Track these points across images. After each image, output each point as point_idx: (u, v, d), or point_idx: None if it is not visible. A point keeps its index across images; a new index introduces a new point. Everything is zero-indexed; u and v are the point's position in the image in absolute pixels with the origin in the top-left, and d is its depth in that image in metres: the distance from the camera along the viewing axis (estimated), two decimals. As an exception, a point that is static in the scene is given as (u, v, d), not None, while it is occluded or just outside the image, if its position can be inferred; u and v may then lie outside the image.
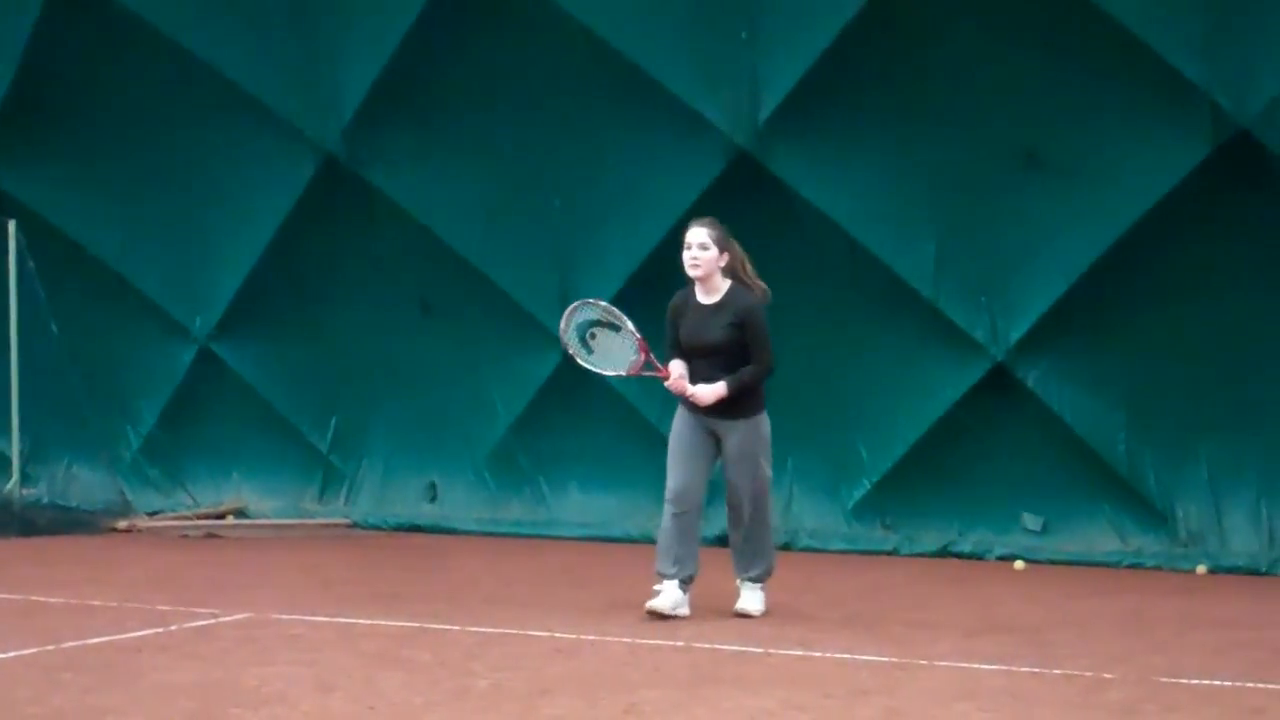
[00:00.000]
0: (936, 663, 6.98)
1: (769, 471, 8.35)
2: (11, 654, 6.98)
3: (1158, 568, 10.46)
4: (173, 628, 7.72)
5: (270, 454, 12.71)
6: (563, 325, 8.45)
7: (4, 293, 12.27)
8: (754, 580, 8.34)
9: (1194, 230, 10.16)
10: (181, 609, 8.26)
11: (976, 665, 6.93)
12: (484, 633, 7.64)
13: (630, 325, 8.33)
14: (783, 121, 10.74)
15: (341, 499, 12.64)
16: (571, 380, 11.89)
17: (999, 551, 10.85)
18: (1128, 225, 10.22)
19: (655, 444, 11.73)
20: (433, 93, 11.60)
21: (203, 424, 12.98)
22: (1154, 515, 10.64)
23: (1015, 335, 10.69)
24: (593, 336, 8.44)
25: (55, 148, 12.65)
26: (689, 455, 8.24)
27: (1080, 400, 10.68)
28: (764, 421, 8.31)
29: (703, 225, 8.22)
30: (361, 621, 7.94)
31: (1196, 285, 10.32)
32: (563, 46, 11.11)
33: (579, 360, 8.51)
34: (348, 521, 12.45)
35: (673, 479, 8.25)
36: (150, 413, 13.09)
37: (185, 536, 11.98)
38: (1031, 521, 10.91)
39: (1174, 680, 6.65)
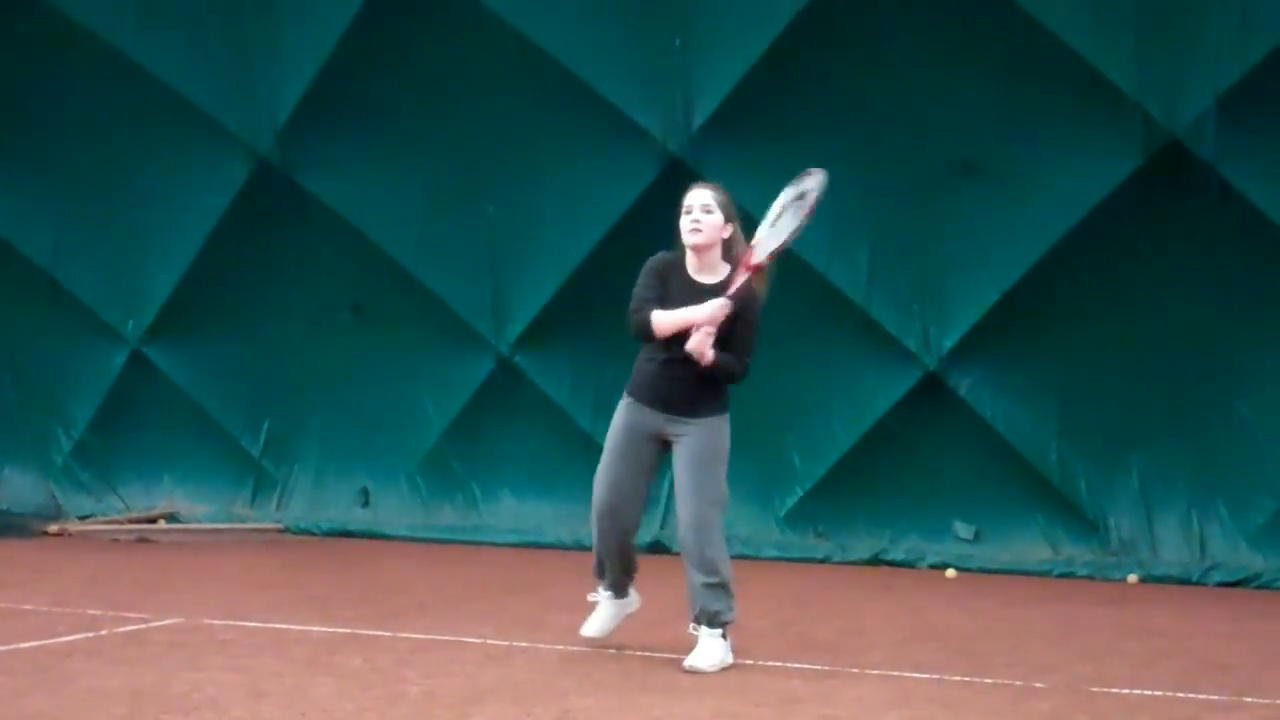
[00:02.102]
0: (868, 671, 7.02)
1: (722, 491, 7.23)
2: (-62, 659, 6.91)
3: (1089, 577, 10.52)
4: (103, 632, 7.66)
5: (202, 458, 12.61)
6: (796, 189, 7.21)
7: (-68, 294, 12.15)
8: (710, 625, 7.05)
9: (1126, 240, 10.26)
10: (112, 614, 8.20)
11: (908, 674, 6.97)
12: (416, 639, 7.62)
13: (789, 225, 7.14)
14: (716, 128, 10.75)
15: (273, 504, 12.56)
16: (505, 386, 11.90)
17: (931, 560, 10.90)
18: (1060, 234, 10.30)
19: (589, 450, 11.72)
20: (367, 97, 11.55)
21: (134, 428, 12.87)
22: (1085, 524, 10.73)
23: (947, 344, 10.75)
24: (781, 215, 7.16)
25: (-14, 149, 12.54)
26: (621, 462, 7.15)
27: (1012, 409, 10.75)
28: (725, 427, 7.20)
29: (706, 187, 7.07)
30: (293, 627, 7.90)
31: (1128, 295, 10.42)
32: (497, 51, 11.09)
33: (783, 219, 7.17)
34: (279, 526, 12.38)
35: (600, 493, 7.16)
36: (82, 416, 12.97)
37: (116, 541, 11.88)
38: (963, 530, 10.97)
39: (1104, 690, 6.71)
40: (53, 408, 13.01)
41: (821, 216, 10.76)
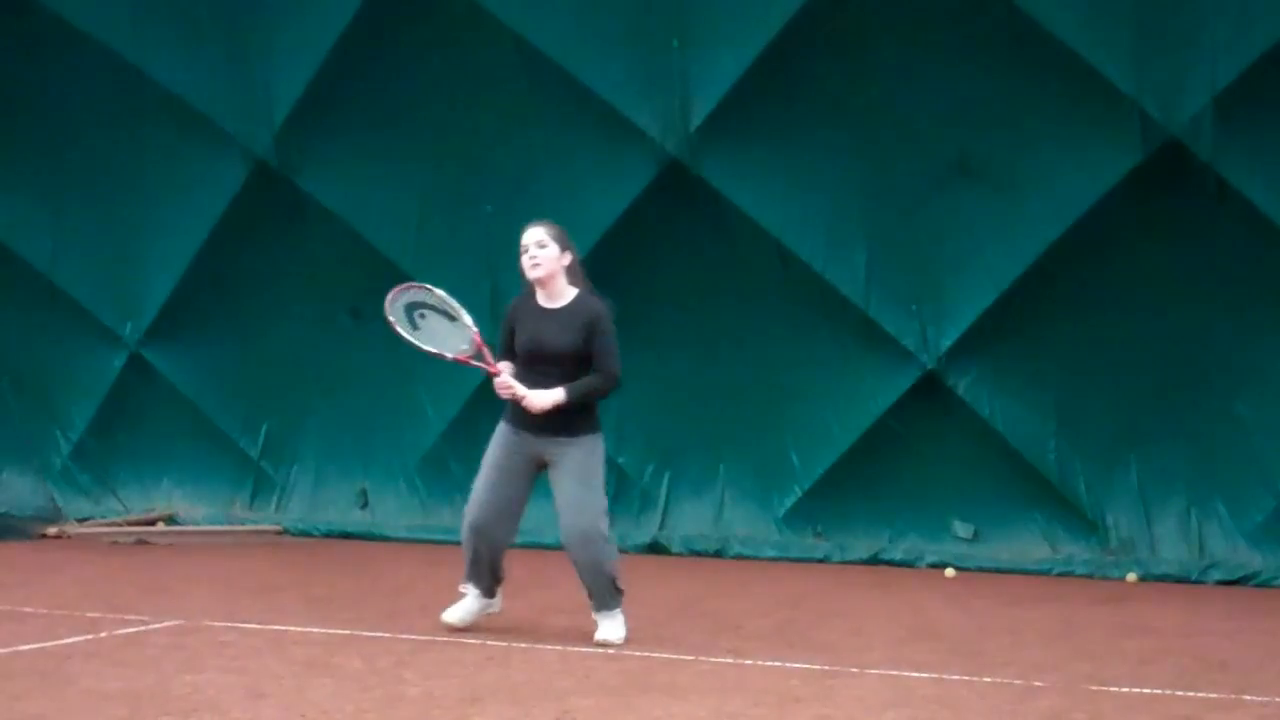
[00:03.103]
0: (867, 670, 7.02)
1: (604, 502, 7.67)
2: (-62, 662, 6.92)
3: (1088, 575, 10.52)
4: (103, 635, 7.66)
5: (201, 460, 12.61)
6: (390, 298, 7.85)
7: (-70, 297, 12.16)
8: (609, 609, 7.69)
9: (1124, 239, 10.25)
10: (112, 616, 8.20)
11: (907, 673, 6.97)
12: (415, 640, 7.62)
13: (468, 319, 7.81)
14: (714, 129, 10.75)
15: (272, 505, 12.56)
16: (505, 386, 11.88)
17: (930, 559, 10.90)
18: (1058, 234, 10.29)
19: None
20: (364, 98, 11.55)
21: (133, 430, 12.87)
22: (1084, 523, 10.72)
23: (946, 343, 10.75)
24: (422, 316, 7.89)
25: (-17, 152, 12.55)
26: (500, 482, 7.70)
27: (1011, 408, 10.75)
28: (599, 444, 7.69)
29: (540, 224, 7.70)
30: (292, 629, 7.90)
31: (1127, 293, 10.41)
32: (495, 53, 11.10)
33: (401, 332, 7.85)
34: (278, 528, 12.38)
35: (473, 510, 7.73)
36: (80, 419, 12.97)
37: (115, 543, 11.88)
38: (962, 529, 10.97)
39: (1103, 688, 6.71)
40: (51, 410, 13.01)
41: (819, 215, 10.90)
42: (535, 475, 7.78)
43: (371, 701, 6.19)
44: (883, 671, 6.99)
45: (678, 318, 11.39)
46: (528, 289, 7.72)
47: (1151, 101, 9.87)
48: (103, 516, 12.74)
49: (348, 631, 7.84)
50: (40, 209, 12.55)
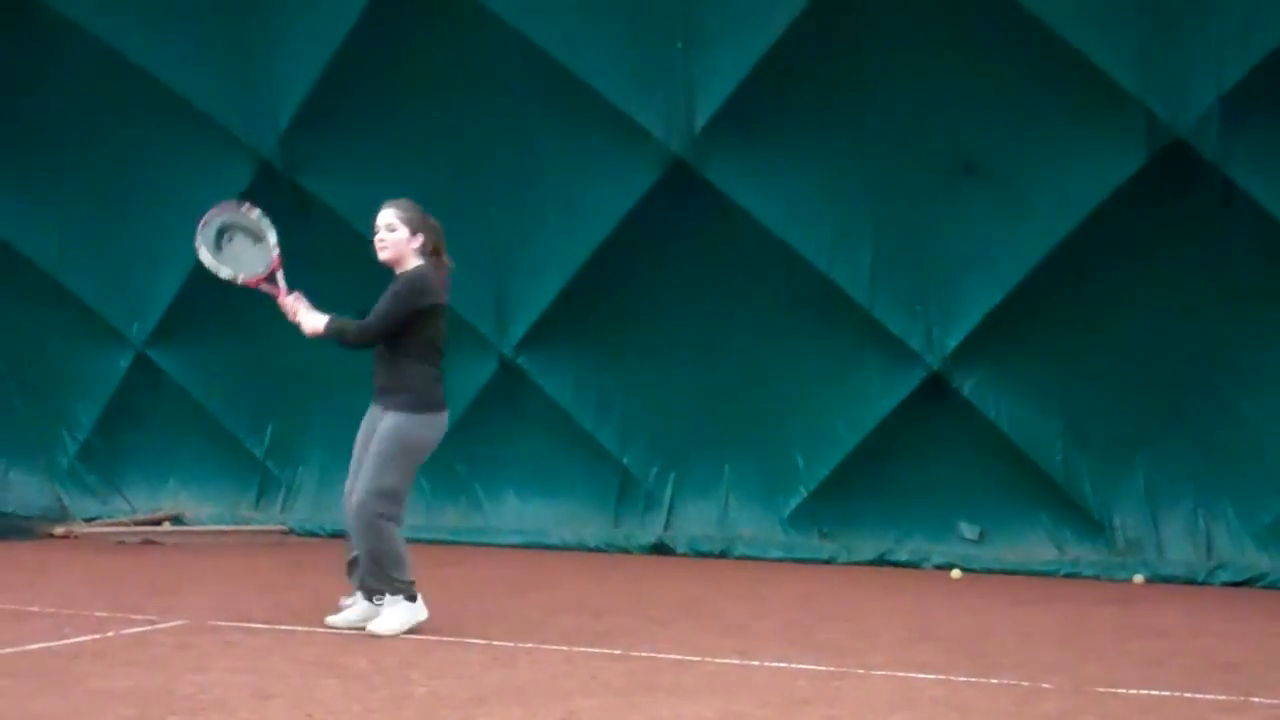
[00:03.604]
0: (874, 672, 7.01)
1: (390, 481, 7.54)
2: (-54, 661, 6.92)
3: (1095, 577, 10.51)
4: (110, 634, 7.67)
5: (207, 460, 12.62)
6: (204, 220, 7.91)
7: (-63, 298, 12.18)
8: (373, 591, 7.66)
9: (1130, 239, 10.24)
10: (119, 615, 8.20)
11: (914, 675, 6.96)
12: (421, 640, 7.61)
13: (272, 239, 7.86)
14: (719, 129, 10.75)
15: (278, 506, 12.57)
16: (508, 387, 11.90)
17: (936, 560, 10.90)
18: (1064, 234, 10.28)
19: (592, 452, 11.78)
20: (369, 99, 11.55)
21: (140, 430, 12.89)
22: (1091, 524, 10.72)
23: (951, 343, 10.75)
24: (229, 239, 7.91)
25: (-11, 153, 12.56)
26: (358, 451, 7.75)
27: (1016, 409, 10.74)
28: (416, 424, 7.57)
29: (392, 206, 7.69)
30: (299, 629, 7.90)
31: (1132, 294, 10.41)
32: (499, 53, 11.09)
33: (202, 256, 7.92)
34: (284, 528, 12.38)
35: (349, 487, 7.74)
36: (87, 419, 12.99)
37: (122, 543, 11.89)
38: (968, 530, 10.97)
39: (1111, 690, 6.70)
40: (58, 410, 13.02)
41: (824, 216, 10.90)
42: None
43: (379, 701, 6.19)
44: (889, 673, 6.99)
45: (682, 318, 11.40)
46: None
47: (1157, 101, 9.86)
48: (109, 516, 12.76)
49: (353, 631, 7.83)
50: (47, 209, 12.56)
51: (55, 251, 12.62)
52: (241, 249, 7.88)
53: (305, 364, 12.37)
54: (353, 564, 7.79)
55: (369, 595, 7.71)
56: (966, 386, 10.78)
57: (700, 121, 10.77)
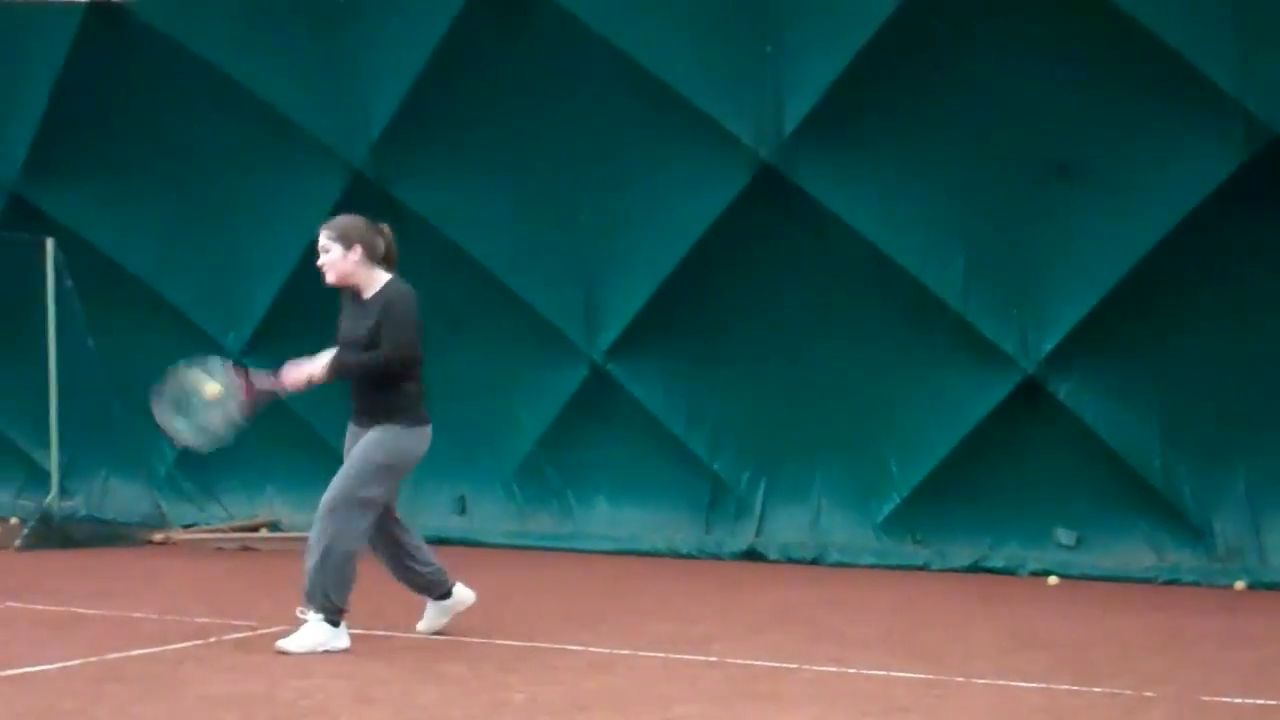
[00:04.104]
0: (973, 680, 6.96)
1: (364, 492, 7.32)
2: (56, 665, 7.03)
3: (1195, 584, 10.34)
4: (212, 640, 7.76)
5: (302, 468, 12.68)
6: (158, 418, 7.69)
7: (42, 309, 12.33)
8: (316, 611, 7.34)
9: (1228, 240, 10.09)
10: (220, 621, 8.30)
11: (1014, 683, 6.90)
12: (518, 646, 7.65)
13: (210, 371, 7.63)
14: (808, 134, 10.72)
15: (372, 512, 12.63)
16: (598, 394, 11.92)
17: (1031, 567, 10.78)
18: (1160, 236, 10.14)
19: (683, 458, 11.77)
20: (460, 109, 11.62)
21: (236, 438, 12.96)
22: (1190, 530, 10.56)
23: (1046, 347, 10.64)
24: (188, 407, 7.67)
25: (91, 166, 12.72)
26: None
27: (1113, 413, 10.61)
28: (399, 436, 7.42)
29: (323, 228, 7.61)
30: (397, 634, 7.96)
31: (1231, 296, 10.24)
32: (588, 62, 11.12)
33: (190, 438, 7.77)
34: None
35: None
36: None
37: (220, 549, 12.03)
38: (1065, 536, 10.85)
39: (1216, 699, 6.61)
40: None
41: (915, 219, 10.83)
42: None
43: (478, 707, 6.21)
44: (989, 681, 6.93)
45: (773, 323, 11.37)
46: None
47: (1254, 100, 9.71)
48: (207, 523, 12.91)
49: (451, 637, 7.89)
50: (145, 221, 12.74)
51: (154, 262, 12.79)
52: (203, 403, 7.62)
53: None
54: (404, 573, 7.79)
55: (307, 601, 7.38)
56: (1062, 390, 10.67)
57: (789, 126, 10.75)
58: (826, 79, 10.55)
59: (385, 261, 7.58)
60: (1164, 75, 9.88)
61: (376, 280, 7.52)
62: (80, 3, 12.19)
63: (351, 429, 7.58)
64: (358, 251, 7.48)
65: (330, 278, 7.54)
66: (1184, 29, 9.79)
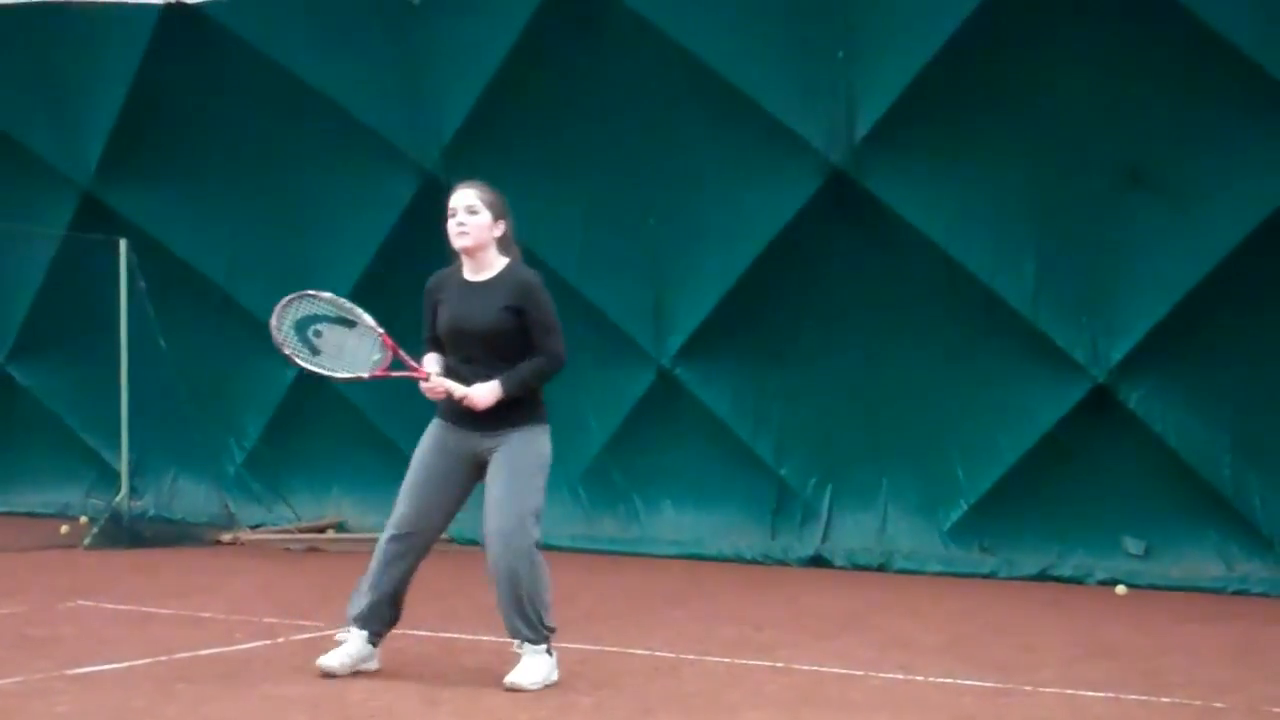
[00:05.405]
0: (1041, 689, 6.92)
1: (538, 502, 6.63)
2: (126, 664, 7.08)
3: (1265, 594, 10.26)
4: (280, 640, 7.80)
5: (370, 469, 12.79)
6: (274, 323, 6.84)
7: (115, 309, 12.47)
8: (531, 642, 6.63)
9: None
10: (288, 621, 8.35)
11: (1083, 692, 6.85)
12: (584, 650, 7.65)
13: (369, 319, 6.76)
14: (879, 140, 10.71)
15: (437, 513, 12.68)
16: (666, 398, 11.92)
17: (1099, 575, 10.72)
18: (1232, 244, 10.09)
19: (749, 462, 11.76)
20: (530, 112, 11.66)
21: (304, 439, 13.10)
22: (1260, 540, 10.47)
23: (1117, 356, 10.58)
24: (318, 334, 6.84)
25: (165, 168, 12.87)
26: (430, 483, 6.74)
27: (1184, 422, 10.54)
28: (543, 436, 6.70)
29: (472, 186, 6.71)
30: (463, 636, 7.98)
31: (1305, 305, 10.18)
32: (660, 66, 11.15)
33: (299, 363, 6.87)
34: (448, 537, 12.45)
35: (400, 505, 6.81)
36: (254, 428, 13.24)
37: (288, 550, 12.10)
38: (1133, 545, 10.77)
39: (1287, 709, 6.56)
40: (226, 420, 13.29)
41: (986, 226, 10.78)
42: (472, 480, 6.77)
43: (546, 711, 6.23)
44: (1057, 690, 6.89)
45: (841, 329, 11.35)
46: (453, 259, 6.79)
47: (1331, 108, 9.65)
48: (274, 524, 12.99)
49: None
50: (217, 224, 12.86)
51: (225, 263, 12.91)
52: (338, 339, 6.82)
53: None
54: (375, 606, 6.84)
55: (514, 635, 6.68)
56: (1133, 399, 10.61)
57: (861, 132, 10.74)
58: (899, 85, 10.54)
59: (507, 248, 6.79)
60: (1239, 84, 9.82)
61: (497, 263, 6.70)
62: (156, 5, 12.32)
63: (456, 431, 6.69)
64: (501, 228, 6.69)
65: (465, 241, 6.61)
66: (1259, 37, 9.72)
